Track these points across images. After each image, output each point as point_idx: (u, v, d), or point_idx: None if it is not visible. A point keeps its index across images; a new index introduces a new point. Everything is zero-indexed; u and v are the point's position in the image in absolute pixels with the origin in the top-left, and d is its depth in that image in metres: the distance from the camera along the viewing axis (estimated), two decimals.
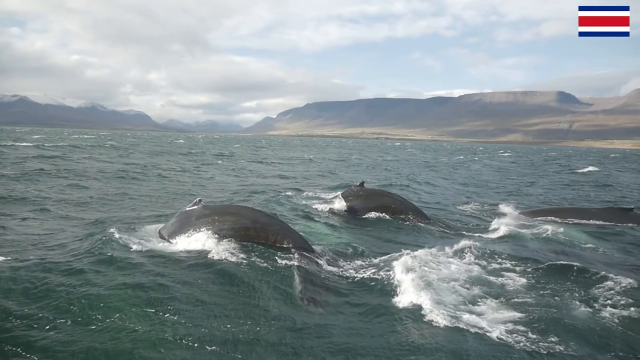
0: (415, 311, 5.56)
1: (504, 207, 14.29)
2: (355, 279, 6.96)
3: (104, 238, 7.83)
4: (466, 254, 8.14)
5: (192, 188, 17.76)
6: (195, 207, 9.03)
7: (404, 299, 5.90)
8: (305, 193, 16.44)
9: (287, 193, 15.56)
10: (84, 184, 17.16)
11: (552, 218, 12.50)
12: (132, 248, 7.57)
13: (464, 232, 10.95)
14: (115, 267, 6.58)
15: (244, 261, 7.19)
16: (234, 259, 7.21)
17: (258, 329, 5.09)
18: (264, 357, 4.53)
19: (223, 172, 26.29)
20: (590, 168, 38.49)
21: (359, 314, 5.72)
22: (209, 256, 7.28)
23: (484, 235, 10.44)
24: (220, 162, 34.10)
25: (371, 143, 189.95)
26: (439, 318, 5.28)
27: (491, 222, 11.77)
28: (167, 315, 5.23)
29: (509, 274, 7.29)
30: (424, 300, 5.71)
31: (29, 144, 43.54)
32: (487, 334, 4.96)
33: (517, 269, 7.59)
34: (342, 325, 5.34)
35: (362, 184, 13.78)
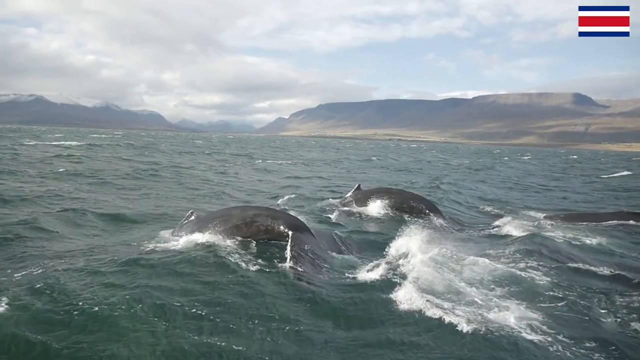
0: (432, 310, 5.28)
1: (531, 210, 13.95)
2: (366, 277, 6.59)
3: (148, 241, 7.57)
4: (490, 254, 7.93)
5: (224, 188, 17.14)
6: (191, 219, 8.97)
7: (413, 296, 5.63)
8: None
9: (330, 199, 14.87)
10: (118, 183, 16.75)
11: (581, 223, 11.69)
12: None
13: (487, 233, 10.61)
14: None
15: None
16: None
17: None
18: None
19: (257, 172, 25.80)
20: (625, 172, 37.22)
21: (367, 311, 5.43)
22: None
23: (510, 236, 9.93)
24: (251, 162, 33.57)
25: (385, 144, 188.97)
26: (460, 319, 5.02)
27: (516, 223, 11.22)
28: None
29: (533, 276, 6.89)
30: (441, 299, 5.58)
31: (55, 143, 43.54)
32: (515, 335, 4.78)
33: (541, 271, 7.14)
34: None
35: (358, 187, 13.99)
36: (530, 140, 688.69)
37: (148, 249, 7.51)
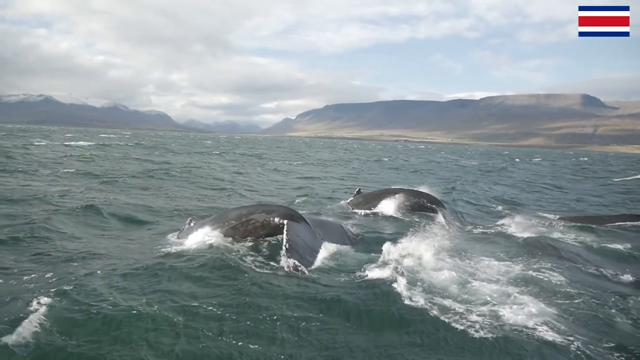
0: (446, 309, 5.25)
1: (545, 212, 13.83)
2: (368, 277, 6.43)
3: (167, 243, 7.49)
4: (503, 254, 7.89)
5: (237, 189, 17.01)
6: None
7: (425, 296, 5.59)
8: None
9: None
10: (129, 182, 16.70)
11: (595, 225, 11.41)
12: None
13: (499, 232, 10.48)
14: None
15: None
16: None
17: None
18: None
19: (268, 172, 25.70)
20: (639, 175, 36.72)
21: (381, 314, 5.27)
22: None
23: (523, 237, 9.72)
24: (261, 162, 33.50)
25: (392, 145, 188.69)
26: (476, 317, 5.04)
27: (530, 224, 11.09)
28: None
29: (548, 277, 6.80)
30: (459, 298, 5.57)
31: (67, 143, 43.71)
32: (533, 334, 4.75)
33: (556, 272, 7.03)
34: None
35: (359, 190, 14.17)
36: (538, 142, 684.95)
37: (161, 252, 7.42)
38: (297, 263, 6.56)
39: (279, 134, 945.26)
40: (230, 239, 7.82)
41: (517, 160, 68.04)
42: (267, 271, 6.55)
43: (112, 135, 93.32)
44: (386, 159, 48.76)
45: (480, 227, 11.18)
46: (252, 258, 7.06)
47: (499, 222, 11.79)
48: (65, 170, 19.53)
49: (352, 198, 13.80)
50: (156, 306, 5.08)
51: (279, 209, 8.31)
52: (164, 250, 7.52)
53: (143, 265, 6.47)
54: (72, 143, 45.28)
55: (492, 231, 10.64)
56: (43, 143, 42.19)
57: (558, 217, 12.81)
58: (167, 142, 68.38)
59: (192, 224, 8.70)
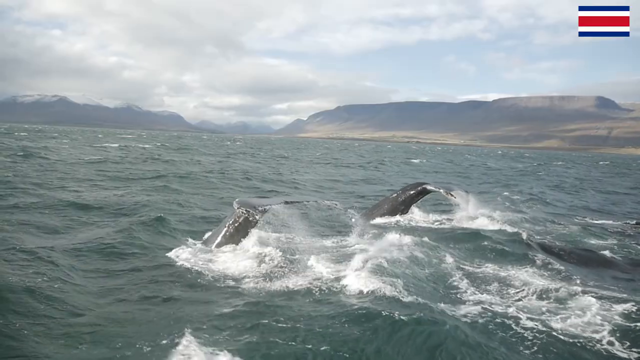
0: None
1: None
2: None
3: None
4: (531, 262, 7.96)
5: (310, 186, 17.44)
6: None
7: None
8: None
9: None
10: (178, 187, 16.93)
11: None
12: None
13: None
14: None
15: None
16: None
17: None
18: None
19: (310, 173, 26.01)
20: None
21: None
22: None
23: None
24: (295, 164, 33.84)
25: (407, 147, 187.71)
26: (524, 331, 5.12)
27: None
28: None
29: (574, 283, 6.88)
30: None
31: (97, 145, 44.27)
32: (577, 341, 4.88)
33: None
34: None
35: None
36: (552, 144, 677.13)
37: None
38: None
39: (291, 134, 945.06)
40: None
41: (541, 164, 67.58)
42: None
43: (130, 136, 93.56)
44: (416, 161, 48.84)
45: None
46: None
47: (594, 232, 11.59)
48: (111, 175, 19.43)
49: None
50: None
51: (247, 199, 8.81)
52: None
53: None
54: (102, 145, 45.87)
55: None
56: (69, 145, 42.58)
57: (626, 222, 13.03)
58: (190, 144, 68.78)
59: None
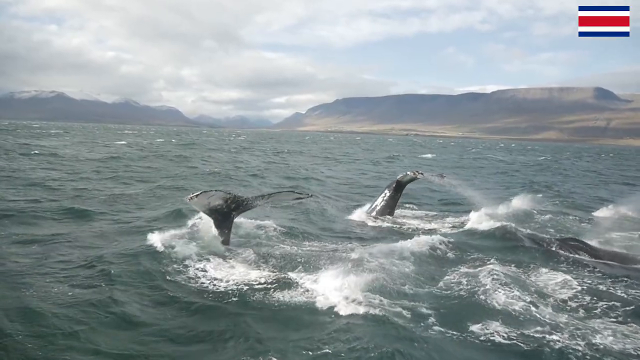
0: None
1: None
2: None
3: None
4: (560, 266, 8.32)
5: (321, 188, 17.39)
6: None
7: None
8: None
9: None
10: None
11: None
12: None
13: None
14: None
15: None
16: None
17: None
18: None
19: (332, 169, 25.93)
20: None
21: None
22: None
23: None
24: (311, 160, 33.76)
25: (407, 139, 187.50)
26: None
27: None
28: None
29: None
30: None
31: (108, 143, 44.02)
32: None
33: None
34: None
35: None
36: (550, 136, 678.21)
37: None
38: None
39: (290, 128, 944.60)
40: None
41: (549, 157, 67.47)
42: None
43: (132, 132, 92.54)
44: (430, 156, 48.69)
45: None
46: None
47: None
48: (132, 176, 19.62)
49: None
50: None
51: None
52: None
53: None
54: (113, 143, 45.61)
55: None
56: (78, 145, 42.28)
57: None
58: (198, 141, 68.23)
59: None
